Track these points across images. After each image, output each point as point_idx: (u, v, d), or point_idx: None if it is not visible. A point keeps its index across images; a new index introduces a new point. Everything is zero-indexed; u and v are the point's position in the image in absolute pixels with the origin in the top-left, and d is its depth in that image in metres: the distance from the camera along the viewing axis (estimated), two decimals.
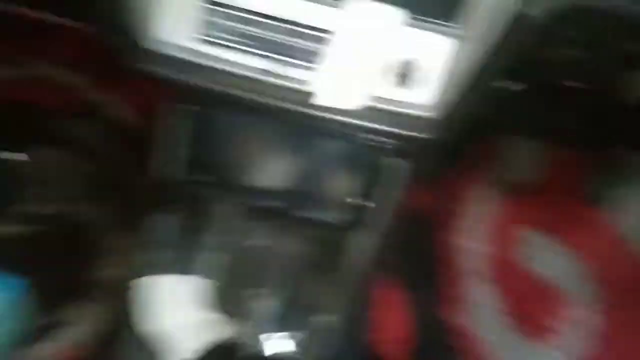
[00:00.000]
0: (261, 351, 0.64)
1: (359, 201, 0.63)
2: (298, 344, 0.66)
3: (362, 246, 0.65)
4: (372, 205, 0.63)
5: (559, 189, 1.03)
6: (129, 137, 0.96)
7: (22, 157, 0.86)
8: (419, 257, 1.00)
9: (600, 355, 0.91)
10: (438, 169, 1.01)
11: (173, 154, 0.61)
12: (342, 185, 0.64)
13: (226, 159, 0.63)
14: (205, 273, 0.65)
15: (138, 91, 0.96)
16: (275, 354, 0.65)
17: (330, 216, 0.64)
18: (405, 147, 0.59)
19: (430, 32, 0.49)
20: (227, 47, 0.50)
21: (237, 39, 0.50)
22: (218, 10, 0.49)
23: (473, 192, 1.05)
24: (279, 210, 0.64)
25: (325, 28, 0.48)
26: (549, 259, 0.99)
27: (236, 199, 0.65)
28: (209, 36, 0.50)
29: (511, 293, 0.97)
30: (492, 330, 0.94)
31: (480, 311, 0.96)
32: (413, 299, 0.95)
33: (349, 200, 0.63)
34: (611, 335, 0.92)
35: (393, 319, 0.93)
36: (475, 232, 1.02)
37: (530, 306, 0.97)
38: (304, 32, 0.49)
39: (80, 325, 0.82)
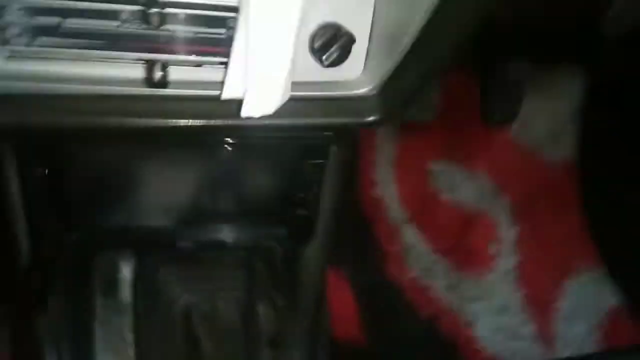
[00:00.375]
0: None
1: (303, 209, 0.50)
2: None
3: (318, 258, 0.53)
4: (317, 209, 0.51)
5: (457, 114, 0.99)
6: None
7: None
8: (348, 229, 0.91)
9: (524, 266, 0.93)
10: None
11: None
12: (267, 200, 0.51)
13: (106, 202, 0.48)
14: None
15: None
16: None
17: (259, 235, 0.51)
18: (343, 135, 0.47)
19: None
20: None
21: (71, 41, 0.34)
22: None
23: (377, 138, 0.98)
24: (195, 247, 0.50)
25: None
26: (460, 185, 0.97)
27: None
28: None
29: (436, 228, 0.94)
30: (431, 272, 0.91)
31: (417, 259, 0.92)
32: (350, 272, 0.89)
33: (287, 211, 0.50)
34: (528, 245, 0.94)
35: (337, 301, 0.86)
36: (386, 175, 0.97)
37: (456, 236, 0.95)
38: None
39: None
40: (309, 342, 0.55)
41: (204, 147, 0.46)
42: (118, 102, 0.36)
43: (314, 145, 0.46)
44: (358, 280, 0.89)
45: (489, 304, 0.91)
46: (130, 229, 0.49)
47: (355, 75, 0.40)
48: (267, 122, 0.38)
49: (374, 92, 0.41)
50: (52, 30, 0.33)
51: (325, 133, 0.45)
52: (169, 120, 0.37)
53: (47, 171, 0.43)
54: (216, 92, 0.36)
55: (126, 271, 0.54)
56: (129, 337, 0.52)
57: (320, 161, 0.47)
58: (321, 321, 0.57)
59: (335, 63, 0.37)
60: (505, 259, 0.94)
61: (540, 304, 0.92)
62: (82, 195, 0.47)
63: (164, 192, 0.49)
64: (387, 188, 0.97)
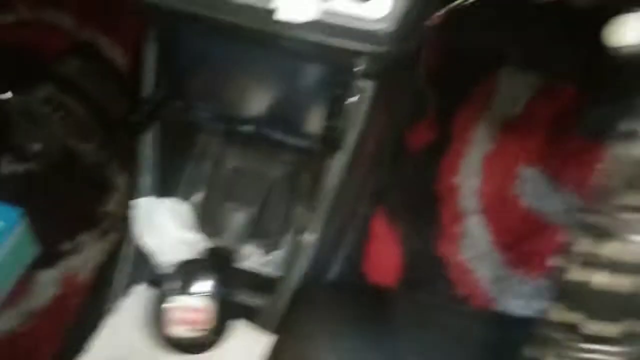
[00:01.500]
0: (239, 265, 0.68)
1: (332, 124, 0.64)
2: (276, 261, 0.69)
3: (339, 169, 0.66)
4: (346, 127, 0.64)
5: (554, 123, 1.01)
6: (119, 74, 1.01)
7: (7, 96, 0.89)
8: (414, 193, 1.00)
9: None
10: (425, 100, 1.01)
11: (150, 79, 0.65)
12: (313, 109, 0.65)
13: (200, 83, 0.67)
14: (186, 194, 0.70)
15: (126, 29, 1.01)
16: (253, 269, 0.69)
17: (304, 140, 0.66)
18: (373, 67, 0.60)
19: None
20: None
21: None
22: None
23: (470, 129, 1.03)
24: (254, 134, 0.66)
25: None
26: (545, 196, 0.98)
27: (214, 123, 0.68)
28: None
29: (504, 227, 0.97)
30: (484, 263, 0.95)
31: (474, 245, 0.96)
32: (405, 232, 0.96)
33: (322, 123, 0.65)
34: None
35: (384, 250, 0.95)
36: (472, 169, 1.01)
37: (521, 239, 0.96)
38: None
39: (82, 255, 0.89)
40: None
41: (271, 56, 0.62)
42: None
43: (340, 71, 0.59)
44: (409, 244, 0.96)
45: (527, 304, 0.93)
46: (219, 113, 0.68)
47: (381, 13, 0.53)
48: (300, 35, 0.53)
49: (392, 29, 0.53)
50: None
51: (351, 59, 0.58)
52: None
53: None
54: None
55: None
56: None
57: (343, 90, 0.60)
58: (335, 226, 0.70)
59: None
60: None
61: None
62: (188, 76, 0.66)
63: (244, 92, 0.67)
64: (468, 180, 1.02)
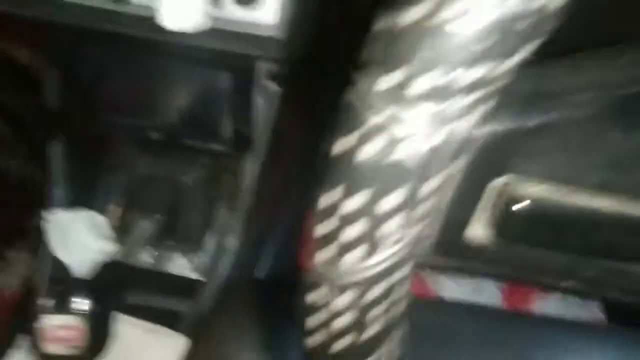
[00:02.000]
0: (160, 270, 0.69)
1: (240, 127, 0.65)
2: (199, 265, 0.70)
3: (253, 170, 0.68)
4: (255, 130, 0.66)
5: None
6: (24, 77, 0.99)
7: None
8: None
9: None
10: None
11: (53, 91, 0.65)
12: (224, 113, 0.66)
13: (108, 93, 0.67)
14: (102, 205, 0.70)
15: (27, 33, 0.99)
16: (176, 273, 0.69)
17: (218, 144, 0.67)
18: (272, 72, 0.61)
19: None
20: None
21: None
22: None
23: None
24: (167, 140, 0.67)
25: None
26: None
27: (125, 132, 0.69)
28: None
29: None
30: None
31: None
32: None
33: (231, 127, 0.66)
34: None
35: None
36: None
37: None
38: None
39: (10, 270, 0.88)
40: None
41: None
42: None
43: (244, 75, 0.61)
44: None
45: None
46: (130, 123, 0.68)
47: (269, 17, 0.54)
48: (192, 42, 0.54)
49: (285, 35, 0.55)
50: None
51: (248, 65, 0.59)
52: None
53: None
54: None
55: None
56: None
57: (249, 94, 0.62)
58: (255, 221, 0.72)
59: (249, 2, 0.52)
60: None
61: None
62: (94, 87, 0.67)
63: (154, 98, 0.67)
64: None
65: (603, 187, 0.39)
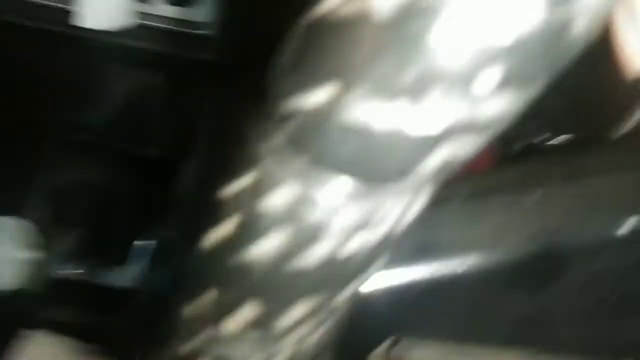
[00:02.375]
0: (85, 280, 0.65)
1: (177, 132, 0.62)
2: (131, 275, 0.67)
3: (191, 176, 0.65)
4: (192, 135, 0.63)
5: None
6: None
7: None
8: None
9: None
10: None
11: None
12: (160, 118, 0.63)
13: (35, 93, 0.63)
14: (30, 212, 0.66)
15: None
16: (103, 284, 0.66)
17: (153, 149, 0.64)
18: (206, 73, 0.58)
19: None
20: None
21: None
22: None
23: None
24: (98, 146, 0.64)
25: None
26: None
27: (52, 135, 0.65)
28: None
29: None
30: None
31: None
32: None
33: (168, 131, 0.63)
34: None
35: None
36: None
37: None
38: None
39: None
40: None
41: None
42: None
43: (179, 78, 0.58)
44: None
45: None
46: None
47: (203, 16, 0.52)
48: (116, 40, 0.51)
49: (216, 34, 0.52)
50: None
51: (180, 66, 0.56)
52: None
53: None
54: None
55: None
56: None
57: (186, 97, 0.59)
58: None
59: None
60: None
61: None
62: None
63: (84, 101, 0.64)
64: None
65: (509, 343, 0.34)
